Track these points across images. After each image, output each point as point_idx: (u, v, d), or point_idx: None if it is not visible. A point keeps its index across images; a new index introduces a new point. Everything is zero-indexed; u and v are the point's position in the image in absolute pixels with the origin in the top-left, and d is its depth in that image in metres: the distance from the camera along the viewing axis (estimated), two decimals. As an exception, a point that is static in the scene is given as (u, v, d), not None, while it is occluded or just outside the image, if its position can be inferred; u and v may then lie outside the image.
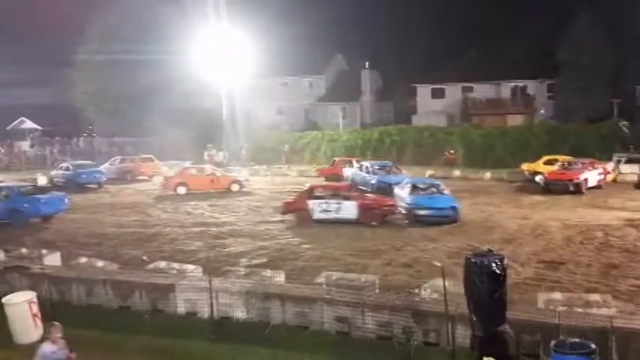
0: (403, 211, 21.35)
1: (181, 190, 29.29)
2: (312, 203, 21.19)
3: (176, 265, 13.89)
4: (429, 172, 33.70)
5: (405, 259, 16.17)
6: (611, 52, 43.82)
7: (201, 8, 44.53)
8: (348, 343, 10.55)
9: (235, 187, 30.08)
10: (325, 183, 26.86)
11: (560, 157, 30.63)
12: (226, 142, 44.52)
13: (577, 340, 8.16)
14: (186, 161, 38.61)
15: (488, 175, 33.58)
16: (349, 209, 20.90)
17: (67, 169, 33.26)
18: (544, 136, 38.18)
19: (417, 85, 54.00)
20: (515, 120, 46.18)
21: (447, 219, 20.65)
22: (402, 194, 22.33)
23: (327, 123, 53.82)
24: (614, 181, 29.73)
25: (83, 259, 14.81)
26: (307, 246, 17.93)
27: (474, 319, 8.58)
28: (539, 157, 32.30)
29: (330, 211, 20.99)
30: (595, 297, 10.82)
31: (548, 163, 30.45)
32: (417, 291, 11.64)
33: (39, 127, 51.67)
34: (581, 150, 34.26)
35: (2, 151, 44.50)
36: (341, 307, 10.83)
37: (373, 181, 27.48)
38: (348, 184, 25.08)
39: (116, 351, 10.46)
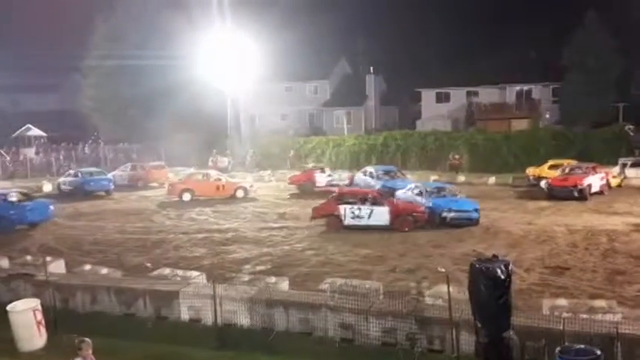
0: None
1: (186, 196, 29.23)
2: (343, 208, 20.97)
3: (180, 272, 13.89)
4: (433, 177, 33.65)
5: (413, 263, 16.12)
6: (616, 56, 43.69)
7: (207, 14, 44.73)
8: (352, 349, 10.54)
9: (240, 194, 30.05)
10: (353, 188, 26.35)
11: (565, 162, 30.49)
12: (231, 148, 44.59)
13: (582, 346, 8.12)
14: (191, 167, 38.68)
15: (492, 179, 33.49)
16: (381, 215, 20.69)
17: (76, 175, 33.10)
18: (549, 141, 38.04)
19: (422, 89, 53.96)
20: (520, 124, 46.01)
21: (472, 221, 21.07)
22: (417, 198, 22.43)
23: (332, 128, 53.88)
24: (620, 185, 29.55)
25: (87, 266, 14.84)
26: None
27: (479, 325, 8.55)
28: (544, 162, 32.21)
29: (361, 217, 20.77)
30: (600, 303, 10.75)
31: (553, 167, 30.31)
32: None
33: (44, 134, 51.81)
34: (586, 154, 34.11)
35: (8, 158, 44.60)
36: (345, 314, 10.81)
37: (378, 187, 27.42)
38: (376, 190, 24.08)
39: (120, 358, 10.44)
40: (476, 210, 21.58)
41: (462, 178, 34.12)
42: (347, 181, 31.57)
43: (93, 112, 52.30)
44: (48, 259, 14.40)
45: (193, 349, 10.82)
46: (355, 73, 61.02)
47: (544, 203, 25.56)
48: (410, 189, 24.14)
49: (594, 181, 27.04)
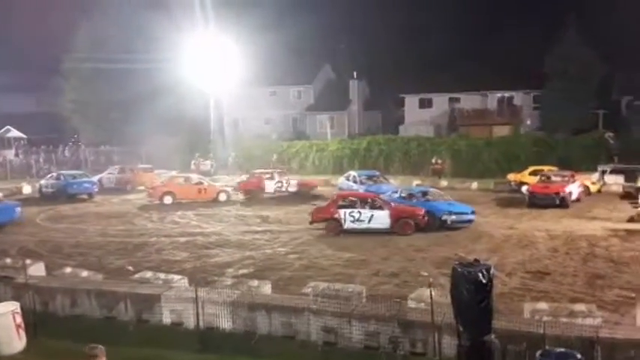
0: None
1: (167, 199, 29.03)
2: (343, 212, 20.91)
3: (162, 275, 13.80)
4: (416, 181, 33.82)
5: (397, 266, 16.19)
6: (597, 63, 44.28)
7: (190, 16, 44.56)
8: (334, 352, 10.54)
9: (223, 197, 29.95)
10: (352, 192, 26.27)
11: (546, 168, 30.82)
12: (214, 151, 44.43)
13: (563, 349, 8.19)
14: (173, 170, 38.45)
15: (475, 185, 33.79)
16: (382, 219, 20.68)
17: (58, 178, 32.45)
18: (530, 147, 38.45)
19: (405, 95, 54.27)
20: (502, 130, 46.45)
21: (469, 223, 21.62)
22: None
23: (316, 132, 53.95)
24: (599, 191, 29.94)
25: (68, 269, 14.68)
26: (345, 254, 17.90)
27: (461, 328, 8.60)
28: (525, 168, 32.54)
29: (362, 220, 20.73)
30: (580, 307, 10.87)
31: (534, 173, 30.61)
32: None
33: (24, 136, 51.23)
34: (566, 161, 34.55)
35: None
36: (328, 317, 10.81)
37: (360, 191, 27.45)
38: (375, 194, 23.78)
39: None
40: (472, 212, 22.15)
41: (444, 183, 34.33)
42: (296, 189, 31.33)
43: (73, 115, 51.85)
44: (28, 261, 14.23)
45: (175, 353, 10.74)
46: (339, 78, 61.15)
47: (525, 209, 25.80)
48: (393, 192, 24.30)
49: (574, 188, 27.28)
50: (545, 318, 10.14)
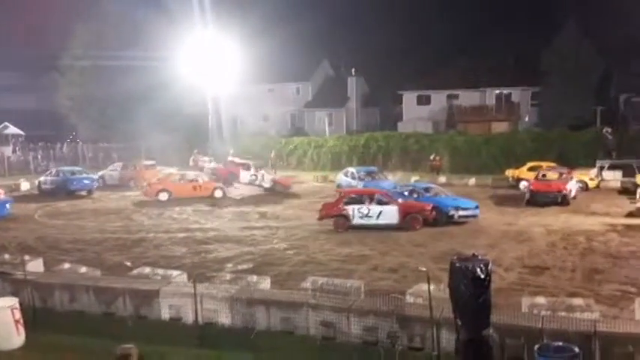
0: None
1: (163, 196, 28.99)
2: (351, 208, 20.92)
3: (160, 271, 13.79)
4: (414, 177, 33.86)
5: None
6: (595, 60, 44.31)
7: (188, 14, 44.49)
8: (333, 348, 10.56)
9: (219, 194, 29.90)
10: (358, 188, 26.17)
11: (544, 164, 30.85)
12: (212, 148, 44.38)
13: (560, 343, 8.22)
14: (172, 167, 38.40)
15: (473, 181, 33.82)
16: (390, 214, 20.68)
17: (57, 174, 32.43)
18: (528, 143, 38.50)
19: (403, 92, 54.26)
20: (500, 127, 46.54)
21: (474, 218, 21.92)
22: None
23: (314, 129, 53.94)
24: (598, 187, 30.01)
25: (66, 265, 14.68)
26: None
27: (459, 323, 8.61)
28: (523, 164, 32.57)
29: (370, 216, 20.74)
30: (578, 301, 10.89)
31: (532, 169, 30.66)
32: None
33: (22, 133, 51.14)
34: (564, 157, 34.63)
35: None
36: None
37: (359, 187, 27.49)
38: (382, 190, 23.54)
39: (100, 358, 10.33)
40: (476, 207, 22.32)
41: (442, 179, 34.36)
42: (269, 184, 31.23)
43: (71, 112, 51.81)
44: (26, 257, 14.23)
45: (174, 348, 10.73)
46: (337, 75, 61.16)
47: (522, 204, 25.75)
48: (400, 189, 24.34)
49: (573, 185, 27.13)
50: (543, 312, 10.17)
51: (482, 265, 8.45)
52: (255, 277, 13.06)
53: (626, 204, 24.94)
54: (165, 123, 43.36)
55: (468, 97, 51.41)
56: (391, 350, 10.11)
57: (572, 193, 26.78)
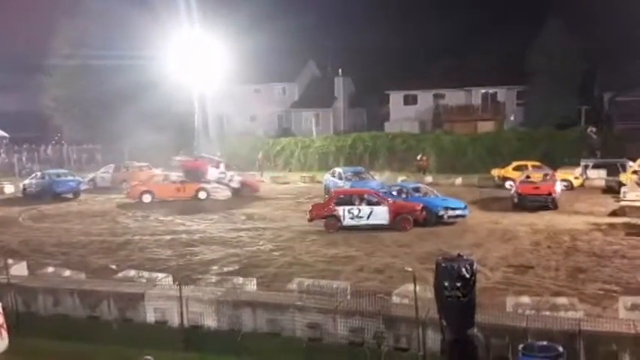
0: None
1: (146, 198, 28.78)
2: (342, 209, 20.86)
3: (145, 274, 13.72)
4: (401, 177, 33.90)
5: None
6: (580, 59, 44.64)
7: (174, 14, 44.22)
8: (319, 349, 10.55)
9: (203, 195, 29.68)
10: (349, 188, 25.93)
11: (530, 163, 31.04)
12: (198, 149, 44.12)
13: (545, 343, 8.26)
14: (158, 168, 38.14)
15: (459, 180, 33.93)
16: (381, 215, 20.67)
17: (42, 177, 31.96)
18: (514, 142, 38.73)
19: (390, 92, 54.34)
20: (486, 126, 46.73)
21: (463, 218, 21.98)
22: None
23: (301, 129, 53.85)
24: (582, 186, 30.24)
25: (50, 269, 14.55)
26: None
27: (444, 323, 8.64)
28: (509, 163, 32.74)
29: (361, 217, 20.72)
30: (562, 300, 10.97)
31: (518, 169, 30.83)
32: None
33: (6, 135, 50.66)
34: (550, 156, 34.82)
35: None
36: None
37: (346, 188, 27.46)
38: (372, 190, 23.31)
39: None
40: (465, 207, 22.39)
41: (429, 178, 34.43)
42: (237, 186, 31.04)
43: (55, 113, 51.33)
44: (10, 261, 14.08)
45: (159, 352, 10.64)
46: (324, 75, 61.09)
47: (508, 203, 25.74)
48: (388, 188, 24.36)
49: (559, 187, 26.93)
50: (527, 312, 10.24)
51: (467, 265, 8.49)
52: (241, 279, 13.03)
53: (610, 203, 25.11)
54: (151, 122, 42.97)
55: (454, 97, 51.59)
56: (377, 351, 10.13)
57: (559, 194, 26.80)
